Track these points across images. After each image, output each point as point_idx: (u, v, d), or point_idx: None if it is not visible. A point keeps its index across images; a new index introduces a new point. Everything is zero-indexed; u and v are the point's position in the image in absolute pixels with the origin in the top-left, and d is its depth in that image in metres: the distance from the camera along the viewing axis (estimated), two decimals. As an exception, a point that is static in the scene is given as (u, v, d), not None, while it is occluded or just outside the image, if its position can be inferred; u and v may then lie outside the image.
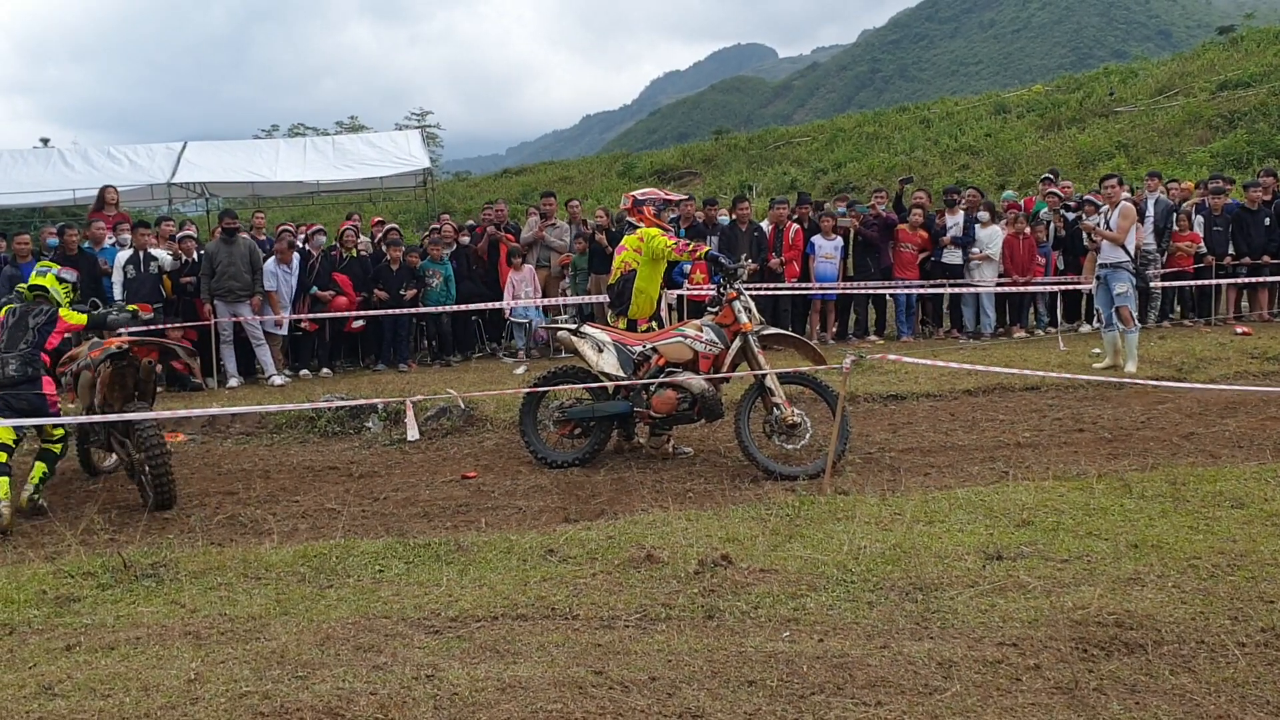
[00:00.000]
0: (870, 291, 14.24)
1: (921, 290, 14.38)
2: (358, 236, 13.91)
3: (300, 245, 13.55)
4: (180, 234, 13.36)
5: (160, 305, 12.15)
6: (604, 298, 10.14)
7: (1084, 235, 14.41)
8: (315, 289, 13.02)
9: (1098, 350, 11.87)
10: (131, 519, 7.10)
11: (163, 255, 12.20)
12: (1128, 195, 11.70)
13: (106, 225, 12.53)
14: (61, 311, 7.90)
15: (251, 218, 15.04)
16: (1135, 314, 11.03)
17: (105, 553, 5.90)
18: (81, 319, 8.05)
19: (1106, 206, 11.27)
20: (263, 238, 13.68)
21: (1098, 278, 11.28)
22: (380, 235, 14.30)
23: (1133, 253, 11.11)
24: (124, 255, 12.17)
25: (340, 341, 13.70)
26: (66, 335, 8.25)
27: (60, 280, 8.11)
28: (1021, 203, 15.58)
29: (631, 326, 8.45)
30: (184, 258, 12.63)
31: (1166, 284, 14.27)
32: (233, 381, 12.39)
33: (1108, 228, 11.03)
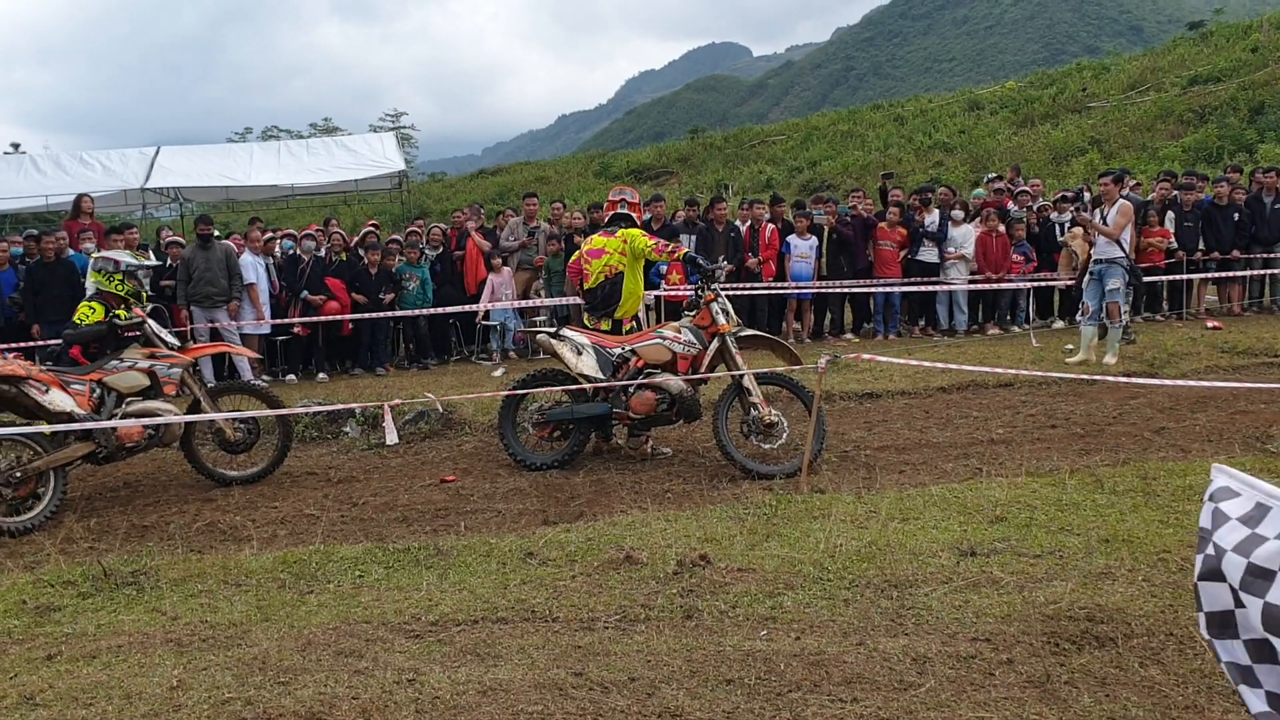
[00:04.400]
0: (845, 290, 14.31)
1: (900, 289, 14.46)
2: (346, 241, 13.87)
3: (289, 250, 13.57)
4: (169, 240, 13.35)
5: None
6: (575, 300, 10.16)
7: (1056, 230, 14.61)
8: (306, 293, 12.97)
9: (1070, 346, 12.00)
10: (111, 528, 7.09)
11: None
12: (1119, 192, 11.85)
13: (69, 235, 12.55)
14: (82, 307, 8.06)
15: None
16: (1126, 310, 11.23)
17: (85, 561, 5.91)
18: (98, 317, 8.01)
19: (1104, 202, 11.41)
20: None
21: (1091, 272, 11.42)
22: (357, 239, 14.27)
23: (1128, 249, 11.26)
24: (96, 263, 12.12)
25: (332, 346, 13.66)
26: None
27: (98, 270, 8.12)
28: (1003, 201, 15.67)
29: (617, 326, 8.49)
30: (168, 262, 12.64)
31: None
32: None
33: (1104, 223, 11.17)
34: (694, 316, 8.02)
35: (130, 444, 7.70)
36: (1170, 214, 14.67)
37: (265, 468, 8.39)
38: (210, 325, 12.30)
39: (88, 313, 8.02)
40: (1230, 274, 14.68)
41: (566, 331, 8.19)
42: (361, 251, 13.58)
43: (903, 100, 49.09)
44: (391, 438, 7.62)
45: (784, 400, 8.36)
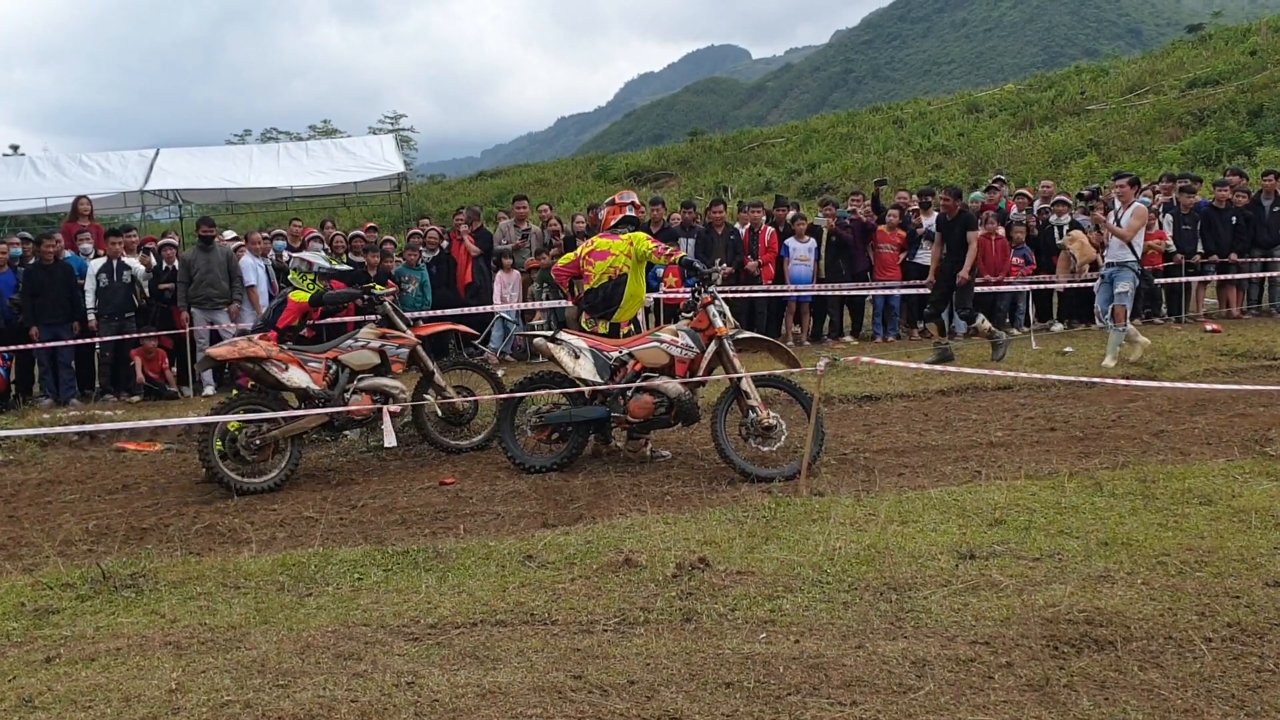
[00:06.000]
0: (844, 293, 14.31)
1: (899, 291, 14.46)
2: (348, 244, 13.85)
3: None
4: (162, 241, 13.35)
5: (131, 315, 12.14)
6: (564, 302, 10.13)
7: (1055, 233, 14.62)
8: None
9: (1070, 349, 12.00)
10: (109, 530, 7.08)
11: (136, 265, 12.19)
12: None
13: (66, 237, 12.60)
14: (290, 295, 8.81)
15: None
16: (1129, 314, 11.22)
17: (84, 564, 5.89)
18: (304, 297, 8.83)
19: (1119, 204, 11.37)
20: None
21: (1101, 275, 11.42)
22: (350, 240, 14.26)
23: (1139, 254, 11.23)
24: (97, 264, 12.15)
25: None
26: (305, 312, 8.95)
27: (295, 269, 8.99)
28: (1002, 205, 15.67)
29: (614, 330, 8.48)
30: (164, 265, 12.63)
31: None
32: (209, 390, 12.34)
33: (1118, 225, 11.14)
34: (691, 319, 8.01)
35: (360, 416, 8.52)
36: (1168, 217, 14.69)
37: (486, 438, 9.07)
38: (210, 327, 12.30)
39: (301, 295, 8.85)
40: (1229, 277, 14.69)
41: (564, 335, 8.18)
42: (351, 255, 13.55)
43: (902, 103, 49.14)
44: (390, 440, 7.61)
45: (782, 403, 8.35)
